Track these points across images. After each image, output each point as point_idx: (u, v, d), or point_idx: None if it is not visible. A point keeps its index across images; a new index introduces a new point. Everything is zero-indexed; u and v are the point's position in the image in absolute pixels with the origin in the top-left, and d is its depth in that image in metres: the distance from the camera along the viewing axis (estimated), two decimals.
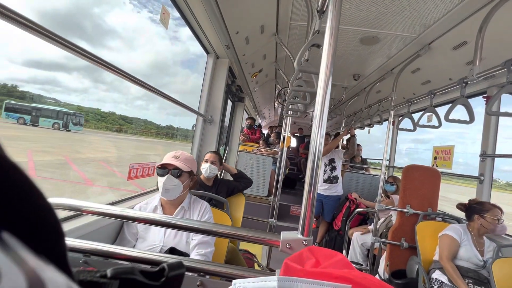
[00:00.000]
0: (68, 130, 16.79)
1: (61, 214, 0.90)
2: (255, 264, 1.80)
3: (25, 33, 0.65)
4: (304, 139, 6.36)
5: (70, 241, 0.66)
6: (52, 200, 0.66)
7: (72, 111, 17.69)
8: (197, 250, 1.11)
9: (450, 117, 1.61)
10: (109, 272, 0.22)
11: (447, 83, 1.78)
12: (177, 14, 1.68)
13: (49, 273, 0.12)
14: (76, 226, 0.92)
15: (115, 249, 0.66)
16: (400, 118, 2.23)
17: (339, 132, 3.63)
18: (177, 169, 1.14)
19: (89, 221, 0.97)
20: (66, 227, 0.89)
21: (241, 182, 1.89)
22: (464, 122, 1.58)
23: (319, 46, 0.95)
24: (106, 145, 16.24)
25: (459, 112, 1.64)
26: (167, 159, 1.16)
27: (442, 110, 1.88)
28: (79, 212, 0.68)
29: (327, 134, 3.28)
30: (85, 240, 0.66)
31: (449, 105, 1.60)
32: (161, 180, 1.12)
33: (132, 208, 1.15)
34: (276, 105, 5.81)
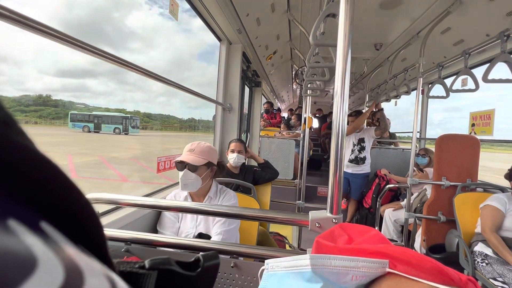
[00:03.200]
0: (127, 134, 17.53)
1: (102, 207, 0.98)
2: (286, 246, 1.83)
3: (54, 43, 0.68)
4: (326, 118, 6.16)
5: (112, 232, 0.71)
6: (92, 195, 0.71)
7: (129, 115, 18.42)
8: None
9: (490, 77, 1.44)
10: (147, 263, 0.22)
11: (483, 40, 1.60)
12: (187, 6, 1.66)
13: (87, 262, 0.12)
14: (117, 218, 0.99)
15: (153, 237, 0.70)
16: (430, 85, 2.06)
17: (360, 110, 3.43)
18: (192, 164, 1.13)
19: (128, 212, 1.04)
20: (108, 219, 0.96)
21: (267, 172, 1.92)
22: (507, 81, 1.42)
23: (334, 15, 0.89)
24: (134, 143, 17.12)
25: (500, 71, 1.46)
26: (184, 153, 1.16)
27: (478, 72, 1.69)
28: (117, 204, 0.73)
29: (350, 115, 3.13)
30: (125, 230, 0.72)
31: (487, 65, 1.45)
32: (180, 175, 1.13)
33: (165, 198, 1.21)
34: (294, 86, 5.66)
